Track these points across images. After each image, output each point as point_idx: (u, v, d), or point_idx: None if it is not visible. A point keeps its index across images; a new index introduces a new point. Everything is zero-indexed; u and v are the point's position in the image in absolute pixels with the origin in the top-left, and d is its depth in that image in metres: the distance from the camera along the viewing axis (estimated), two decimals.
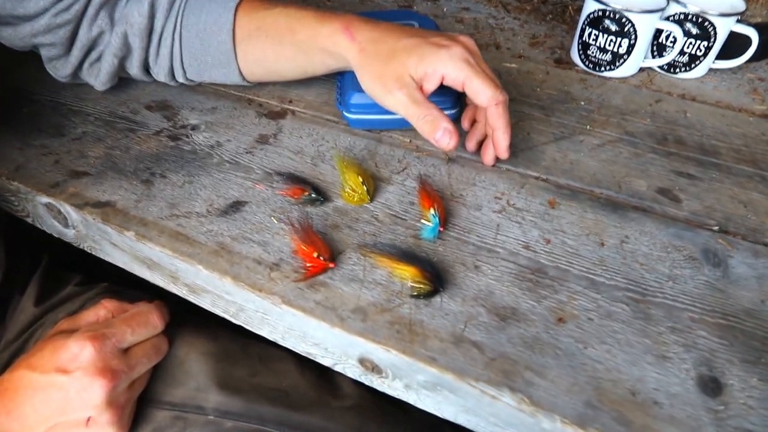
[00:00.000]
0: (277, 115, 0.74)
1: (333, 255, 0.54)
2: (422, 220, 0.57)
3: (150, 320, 0.57)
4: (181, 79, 0.75)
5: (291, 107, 0.75)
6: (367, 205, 0.60)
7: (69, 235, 0.64)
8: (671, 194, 0.63)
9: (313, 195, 0.59)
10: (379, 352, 0.48)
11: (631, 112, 0.74)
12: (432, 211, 0.57)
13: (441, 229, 0.56)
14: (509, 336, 0.49)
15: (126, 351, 0.56)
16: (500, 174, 0.65)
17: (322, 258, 0.53)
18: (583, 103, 0.76)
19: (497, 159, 0.64)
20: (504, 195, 0.62)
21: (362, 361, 0.50)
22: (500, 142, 0.61)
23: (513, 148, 0.66)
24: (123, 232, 0.57)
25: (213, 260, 0.54)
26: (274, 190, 0.62)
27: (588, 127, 0.71)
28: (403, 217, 0.59)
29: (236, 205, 0.60)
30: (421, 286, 0.51)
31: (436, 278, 0.51)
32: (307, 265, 0.53)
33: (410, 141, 0.69)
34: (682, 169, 0.66)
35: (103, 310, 0.59)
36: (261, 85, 0.78)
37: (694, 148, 0.69)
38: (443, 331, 0.49)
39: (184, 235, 0.57)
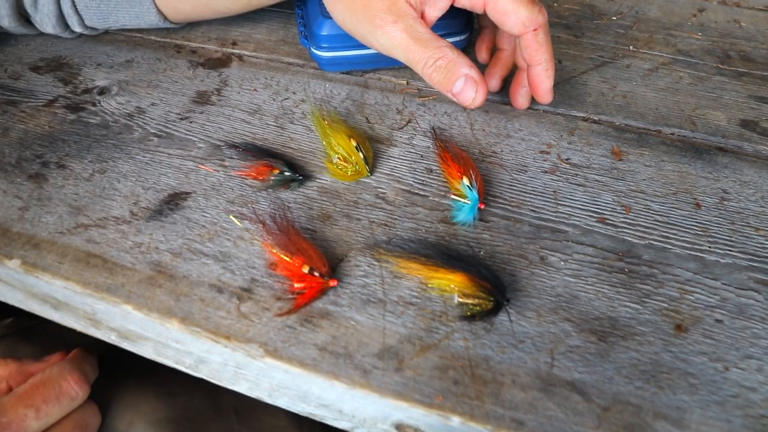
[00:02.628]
0: (219, 63, 0.51)
1: (331, 265, 0.34)
2: (452, 196, 0.37)
3: (63, 389, 0.35)
4: (77, 29, 0.51)
5: (236, 51, 0.52)
6: (368, 180, 0.39)
7: None
8: (759, 127, 0.45)
9: (287, 173, 0.38)
10: (429, 419, 0.29)
11: (675, 26, 0.55)
12: (465, 181, 0.37)
13: (481, 206, 0.37)
14: (618, 365, 0.31)
15: None
16: (538, 118, 0.45)
17: (316, 273, 0.32)
18: (615, 18, 0.56)
19: (532, 100, 0.45)
20: (552, 147, 0.42)
21: (400, 427, 0.31)
22: (542, 81, 0.40)
23: None
24: (2, 261, 0.35)
25: (147, 293, 0.33)
26: (228, 171, 0.40)
27: (630, 47, 0.52)
28: (422, 192, 0.39)
29: (174, 200, 0.38)
30: (476, 300, 0.32)
31: (495, 286, 0.32)
32: (295, 286, 0.32)
33: (408, 83, 0.48)
34: (762, 93, 0.48)
35: None
36: (191, 25, 0.54)
37: (766, 65, 0.51)
38: (522, 370, 0.30)
39: (99, 257, 0.35)
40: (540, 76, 0.40)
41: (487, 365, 0.30)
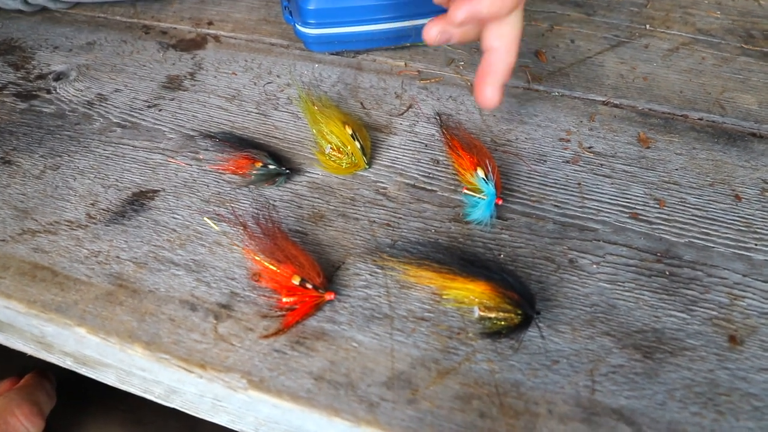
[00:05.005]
0: (193, 44, 0.44)
1: (327, 275, 0.28)
2: (464, 191, 0.32)
3: (11, 426, 0.29)
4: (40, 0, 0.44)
5: (212, 31, 0.45)
6: (365, 173, 0.33)
7: None
8: None
9: (271, 166, 0.32)
10: None
11: (692, 4, 0.50)
12: (480, 173, 0.32)
13: (498, 201, 0.32)
14: (669, 386, 0.25)
15: None
16: (554, 102, 0.39)
17: (309, 284, 0.27)
18: None
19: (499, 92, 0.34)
20: (571, 134, 0.37)
21: None
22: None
23: (557, 62, 0.41)
24: None
25: (104, 312, 0.27)
26: (203, 165, 0.34)
27: (647, 26, 0.47)
28: (429, 186, 0.33)
29: (139, 200, 0.32)
30: (500, 314, 0.27)
31: (523, 296, 0.27)
32: (284, 300, 0.27)
33: (406, 64, 0.42)
34: None
35: None
36: (162, 3, 0.48)
37: None
38: (560, 397, 0.25)
39: (48, 269, 0.29)
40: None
41: (518, 392, 0.24)
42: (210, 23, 0.46)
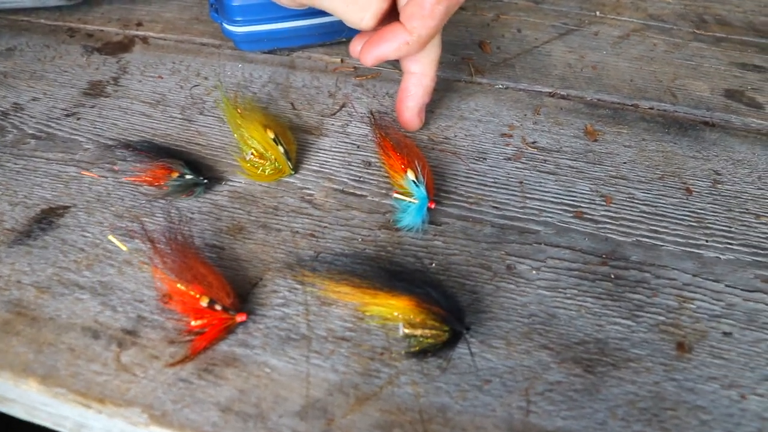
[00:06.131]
0: (119, 47, 0.41)
1: (241, 293, 0.25)
2: (395, 194, 0.30)
3: None
4: None
5: (140, 33, 0.42)
6: (291, 180, 0.31)
7: None
8: (746, 97, 0.38)
9: (188, 175, 0.29)
10: None
11: None
12: (410, 175, 0.29)
13: (430, 205, 0.29)
14: (611, 403, 0.23)
15: None
16: (498, 96, 0.37)
17: (218, 306, 0.24)
18: None
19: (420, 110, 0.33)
20: (514, 129, 0.35)
21: None
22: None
23: (502, 53, 0.39)
24: None
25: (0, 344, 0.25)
26: (119, 177, 0.31)
27: (597, 13, 0.45)
28: (359, 191, 0.30)
29: (48, 217, 0.29)
30: (427, 330, 0.24)
31: (450, 311, 0.25)
32: (193, 324, 0.25)
33: (342, 60, 0.39)
34: (744, 60, 0.41)
35: None
36: (90, 4, 0.44)
37: (744, 30, 0.44)
38: (490, 421, 0.23)
39: None
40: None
41: (444, 418, 0.22)
42: (139, 24, 0.42)
